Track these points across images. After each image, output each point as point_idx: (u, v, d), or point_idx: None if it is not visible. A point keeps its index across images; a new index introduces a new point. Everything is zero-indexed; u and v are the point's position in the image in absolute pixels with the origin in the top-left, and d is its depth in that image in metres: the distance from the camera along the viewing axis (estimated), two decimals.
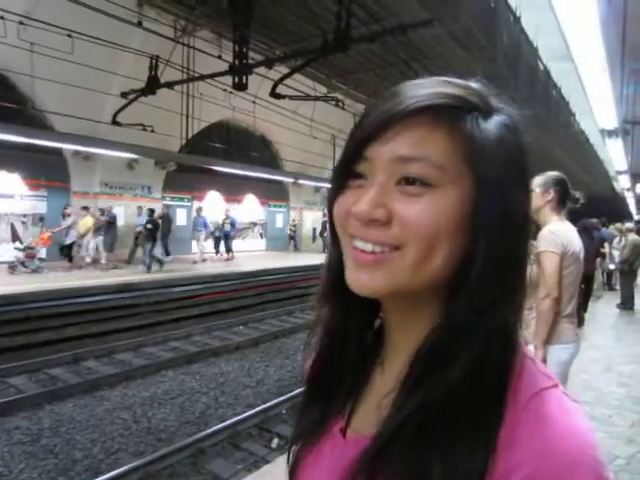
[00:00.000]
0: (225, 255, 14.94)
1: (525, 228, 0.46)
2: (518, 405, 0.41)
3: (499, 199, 0.43)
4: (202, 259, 13.70)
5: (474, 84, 0.48)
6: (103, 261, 11.57)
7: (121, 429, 4.58)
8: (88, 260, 11.52)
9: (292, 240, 19.31)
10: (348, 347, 0.54)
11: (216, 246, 15.18)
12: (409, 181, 0.43)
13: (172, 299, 9.68)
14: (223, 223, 14.94)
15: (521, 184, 0.45)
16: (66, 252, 11.33)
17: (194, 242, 14.61)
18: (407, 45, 9.11)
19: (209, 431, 4.42)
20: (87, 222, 11.56)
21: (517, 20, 11.43)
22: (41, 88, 10.04)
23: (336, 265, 0.51)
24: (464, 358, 0.42)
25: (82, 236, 11.59)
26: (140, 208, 12.39)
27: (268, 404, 5.11)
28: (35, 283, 8.62)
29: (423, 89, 0.45)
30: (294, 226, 19.33)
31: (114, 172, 12.95)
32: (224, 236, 14.98)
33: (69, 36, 8.07)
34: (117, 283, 9.28)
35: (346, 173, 0.48)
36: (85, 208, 11.71)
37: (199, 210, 14.40)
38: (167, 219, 12.96)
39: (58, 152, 11.80)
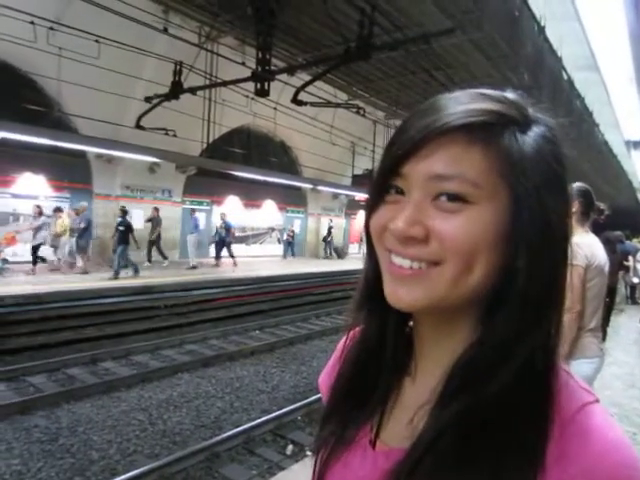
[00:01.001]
0: (215, 261, 13.92)
1: (566, 239, 0.45)
2: (563, 420, 0.41)
3: (538, 212, 0.43)
4: (192, 265, 12.59)
5: (510, 95, 0.47)
6: (80, 264, 10.75)
7: (137, 431, 4.61)
8: (79, 264, 10.88)
9: (289, 246, 18.71)
10: (384, 355, 0.55)
11: (217, 251, 14.35)
12: (445, 198, 0.43)
13: (189, 302, 9.76)
14: (221, 228, 14.09)
15: (560, 194, 0.45)
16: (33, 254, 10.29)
17: (212, 245, 14.52)
18: (429, 53, 9.11)
19: (224, 436, 4.42)
20: (63, 222, 10.94)
21: (541, 29, 11.30)
22: (67, 92, 10.25)
23: (372, 275, 0.52)
24: (505, 373, 0.42)
25: (58, 236, 10.80)
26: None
27: (283, 410, 5.10)
28: None
29: (459, 105, 0.45)
30: (292, 231, 19.11)
31: (135, 175, 13.14)
32: (220, 241, 14.07)
33: (96, 41, 8.25)
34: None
35: (383, 188, 0.48)
36: (58, 209, 11.13)
37: (192, 211, 13.69)
38: (156, 222, 12.48)
39: (82, 155, 12.02)
